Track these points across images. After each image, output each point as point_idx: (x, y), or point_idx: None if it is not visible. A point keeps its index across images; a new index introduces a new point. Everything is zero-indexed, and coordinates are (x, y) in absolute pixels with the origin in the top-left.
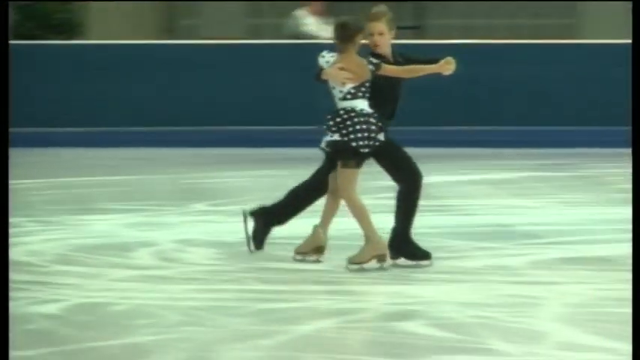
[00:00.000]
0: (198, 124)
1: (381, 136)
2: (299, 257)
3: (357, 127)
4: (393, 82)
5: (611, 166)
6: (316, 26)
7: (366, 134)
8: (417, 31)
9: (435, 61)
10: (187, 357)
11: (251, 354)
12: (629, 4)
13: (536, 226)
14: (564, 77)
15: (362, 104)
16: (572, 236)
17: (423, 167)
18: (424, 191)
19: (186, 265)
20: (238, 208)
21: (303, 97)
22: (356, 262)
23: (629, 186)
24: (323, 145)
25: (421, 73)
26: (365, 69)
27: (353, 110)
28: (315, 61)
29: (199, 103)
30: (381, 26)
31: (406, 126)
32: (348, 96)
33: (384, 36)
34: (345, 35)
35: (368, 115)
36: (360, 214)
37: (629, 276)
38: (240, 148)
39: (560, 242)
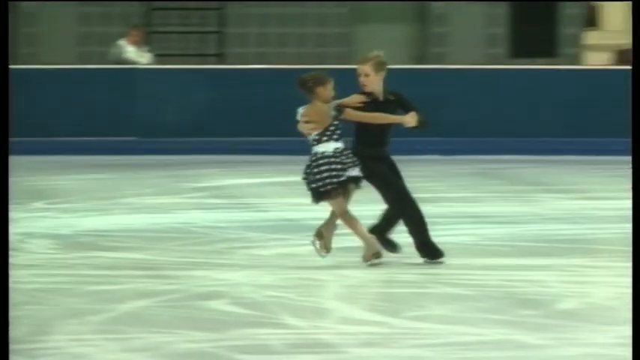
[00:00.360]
0: (39, 135)
1: (353, 171)
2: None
3: (316, 169)
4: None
5: None
6: (135, 54)
7: (325, 174)
8: (220, 57)
9: (415, 109)
10: (29, 331)
11: (83, 328)
12: (402, 31)
13: (319, 220)
14: (340, 97)
15: (325, 147)
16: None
17: (230, 172)
18: (228, 191)
19: (29, 253)
20: (71, 206)
21: (123, 111)
22: (368, 259)
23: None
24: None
25: (383, 121)
26: (325, 116)
27: (315, 154)
28: (132, 80)
29: (41, 116)
30: (366, 68)
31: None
32: (314, 142)
33: (370, 77)
34: (304, 88)
35: (330, 156)
36: (353, 226)
37: (412, 261)
38: (74, 156)
39: (339, 234)
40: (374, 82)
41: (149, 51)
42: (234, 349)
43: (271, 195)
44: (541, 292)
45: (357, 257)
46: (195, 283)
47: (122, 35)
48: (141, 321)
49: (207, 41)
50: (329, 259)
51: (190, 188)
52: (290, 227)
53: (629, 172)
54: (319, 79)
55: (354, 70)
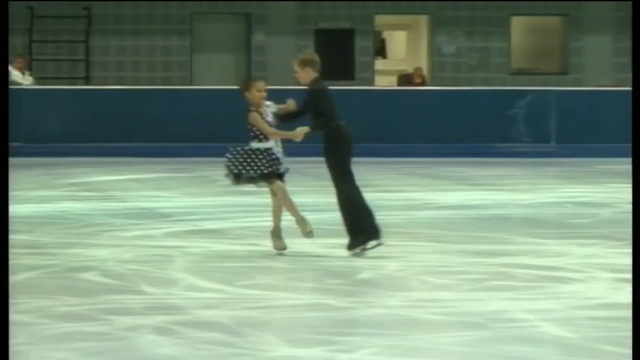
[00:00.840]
0: None
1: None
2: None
3: (249, 159)
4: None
5: (217, 169)
6: (19, 77)
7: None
8: (87, 80)
9: (305, 111)
10: None
11: None
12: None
13: (169, 209)
14: (183, 114)
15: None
16: (192, 215)
17: (97, 170)
18: (96, 186)
19: None
20: None
21: (11, 122)
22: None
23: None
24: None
25: (276, 137)
26: (254, 120)
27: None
28: (18, 98)
29: None
30: (294, 66)
31: (95, 142)
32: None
33: (298, 73)
34: (241, 95)
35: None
36: (292, 207)
37: (243, 241)
38: None
39: (184, 219)
40: (301, 77)
41: (30, 75)
42: (104, 311)
43: (130, 188)
44: (345, 265)
45: (202, 239)
46: (71, 259)
47: (11, 61)
48: (28, 289)
49: (77, 67)
50: (175, 240)
51: (66, 183)
52: (145, 214)
53: (415, 169)
54: (242, 84)
55: (194, 90)
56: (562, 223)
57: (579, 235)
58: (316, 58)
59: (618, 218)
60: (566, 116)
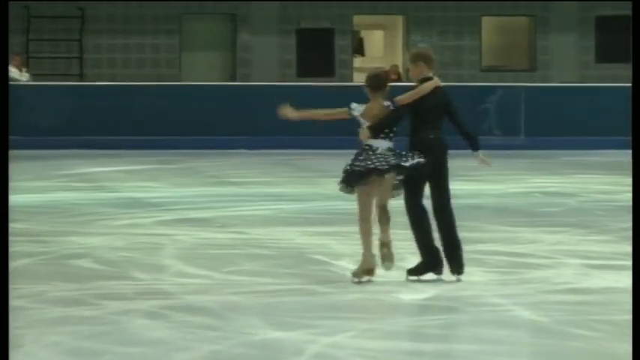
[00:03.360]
0: None
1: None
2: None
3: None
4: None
5: (205, 161)
6: (17, 74)
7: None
8: (81, 77)
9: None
10: None
11: None
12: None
13: (158, 199)
14: (172, 108)
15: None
16: (180, 205)
17: (89, 162)
18: (88, 177)
19: None
20: None
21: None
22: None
23: (217, 173)
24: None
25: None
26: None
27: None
28: (16, 94)
29: None
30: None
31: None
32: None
33: (409, 70)
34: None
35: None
36: (364, 233)
37: (229, 229)
38: None
39: (172, 209)
40: (414, 73)
41: (28, 72)
42: (96, 296)
43: (121, 179)
44: (325, 252)
45: (189, 227)
46: (65, 247)
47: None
48: (24, 275)
49: (71, 64)
50: (165, 228)
51: (60, 174)
52: (135, 204)
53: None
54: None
55: (183, 86)
56: (532, 212)
57: (548, 223)
58: (431, 53)
59: (585, 207)
60: (535, 111)
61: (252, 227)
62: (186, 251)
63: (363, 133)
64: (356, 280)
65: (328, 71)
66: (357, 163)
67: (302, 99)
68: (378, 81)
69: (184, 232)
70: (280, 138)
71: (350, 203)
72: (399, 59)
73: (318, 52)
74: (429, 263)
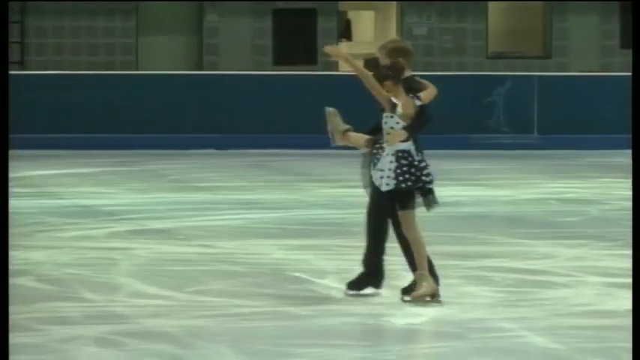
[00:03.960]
0: None
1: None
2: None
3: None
4: None
5: (166, 163)
6: None
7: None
8: (21, 65)
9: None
10: None
11: None
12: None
13: (110, 206)
14: (128, 101)
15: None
16: (138, 214)
17: (31, 165)
18: (30, 181)
19: None
20: None
21: None
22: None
23: (180, 177)
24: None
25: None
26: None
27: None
28: None
29: None
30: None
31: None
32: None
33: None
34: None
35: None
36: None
37: (194, 242)
38: None
39: (129, 218)
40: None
41: None
42: (39, 320)
43: (69, 184)
44: (307, 268)
45: (148, 240)
46: None
47: None
48: None
49: (10, 50)
50: (118, 240)
51: None
52: (84, 212)
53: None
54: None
55: (141, 76)
56: (547, 222)
57: (566, 235)
58: (409, 47)
59: (609, 216)
60: (550, 104)
61: (222, 240)
62: (143, 268)
63: (396, 135)
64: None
65: (310, 59)
66: (413, 178)
67: (279, 91)
68: (400, 69)
69: (142, 245)
70: (255, 136)
71: (335, 212)
72: None
73: (298, 37)
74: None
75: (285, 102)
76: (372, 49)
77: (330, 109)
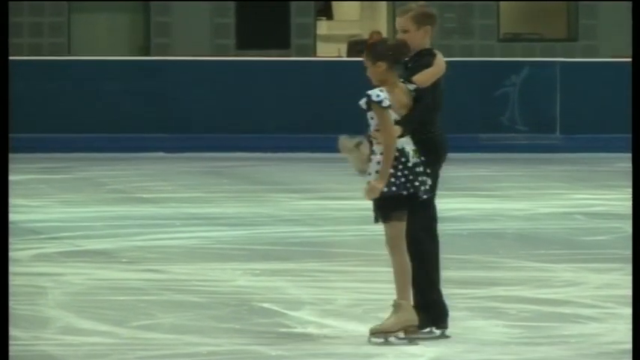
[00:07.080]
0: None
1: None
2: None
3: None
4: None
5: (104, 169)
6: None
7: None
8: None
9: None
10: None
11: None
12: None
13: (38, 223)
14: (59, 93)
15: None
16: (71, 232)
17: None
18: None
19: None
20: None
21: None
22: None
23: (122, 186)
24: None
25: None
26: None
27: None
28: None
29: None
30: (403, 22)
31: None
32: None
33: (410, 33)
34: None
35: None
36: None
37: (140, 266)
38: None
39: (60, 237)
40: (416, 39)
41: None
42: None
43: None
44: (278, 298)
45: (84, 264)
46: None
47: None
48: None
49: None
50: (47, 265)
51: None
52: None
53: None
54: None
55: (74, 62)
56: (571, 242)
57: (594, 257)
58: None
59: None
60: (575, 97)
61: (174, 263)
62: (77, 298)
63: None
64: (380, 340)
65: (281, 42)
66: (397, 182)
67: (243, 80)
68: (403, 52)
69: (76, 270)
70: (212, 136)
71: (310, 230)
72: (381, 24)
73: (266, 16)
74: (430, 314)
75: (250, 94)
76: (358, 30)
77: (347, 142)
